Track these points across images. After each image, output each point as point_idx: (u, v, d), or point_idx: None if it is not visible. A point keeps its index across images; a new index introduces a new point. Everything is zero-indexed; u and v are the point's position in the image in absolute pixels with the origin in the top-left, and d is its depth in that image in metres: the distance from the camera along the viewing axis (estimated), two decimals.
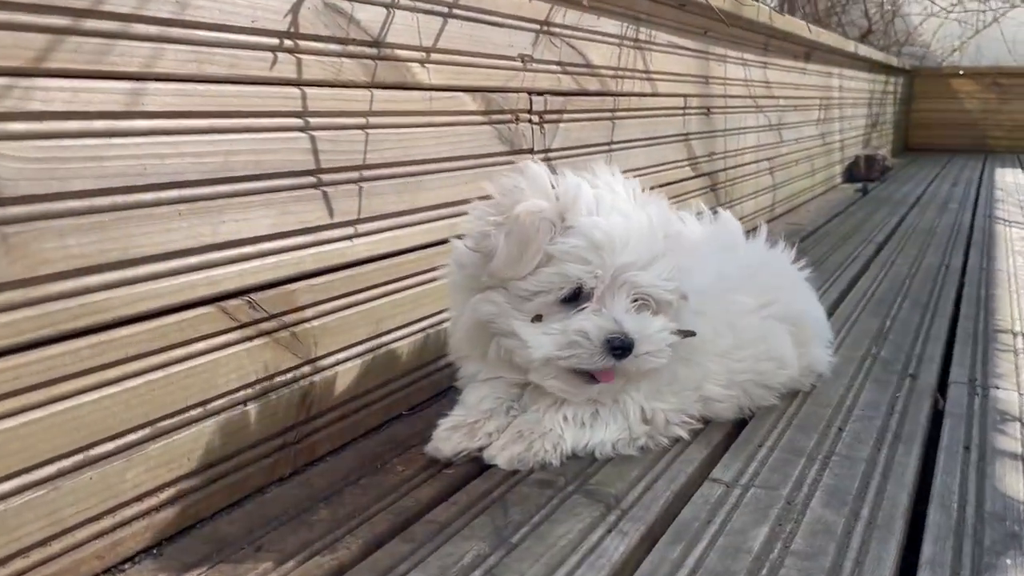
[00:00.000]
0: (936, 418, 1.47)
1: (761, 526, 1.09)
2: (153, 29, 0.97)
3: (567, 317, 1.16)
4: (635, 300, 1.18)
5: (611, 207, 1.17)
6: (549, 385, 1.22)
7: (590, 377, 1.19)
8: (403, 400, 1.46)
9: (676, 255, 1.20)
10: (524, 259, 1.14)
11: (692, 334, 1.28)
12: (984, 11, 8.34)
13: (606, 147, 2.19)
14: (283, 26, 1.16)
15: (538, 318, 1.18)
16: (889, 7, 7.81)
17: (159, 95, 0.99)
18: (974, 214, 3.97)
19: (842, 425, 1.41)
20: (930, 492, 1.19)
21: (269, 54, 1.14)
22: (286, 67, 1.17)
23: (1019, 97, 7.97)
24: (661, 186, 2.51)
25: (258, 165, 1.13)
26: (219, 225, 1.07)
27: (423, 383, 1.51)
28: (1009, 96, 8.00)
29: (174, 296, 1.02)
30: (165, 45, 0.99)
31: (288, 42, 1.17)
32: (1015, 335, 1.95)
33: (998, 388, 1.59)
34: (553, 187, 1.19)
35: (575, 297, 1.17)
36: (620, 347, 1.15)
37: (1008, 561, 1.01)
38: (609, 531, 1.08)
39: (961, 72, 8.20)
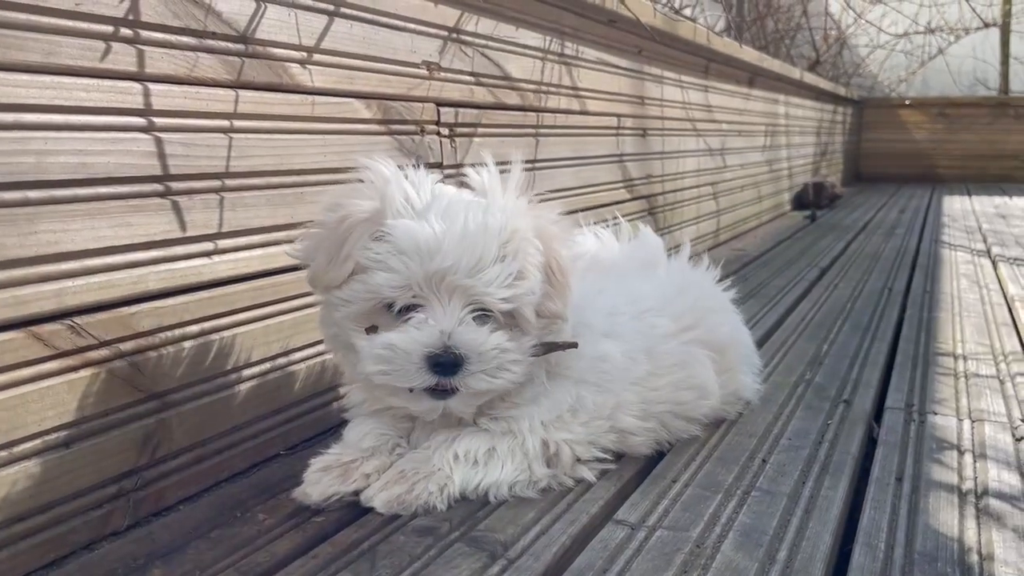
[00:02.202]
0: (870, 447, 1.35)
1: (663, 573, 0.94)
2: None
3: (391, 329, 1.03)
4: (475, 311, 1.04)
5: (431, 208, 1.03)
6: (393, 403, 1.10)
7: (433, 392, 1.05)
8: (279, 439, 1.30)
9: (519, 262, 1.05)
10: (332, 266, 1.03)
11: (573, 346, 1.14)
12: (929, 44, 8.49)
13: (528, 165, 2.07)
14: (119, 12, 1.02)
15: (373, 329, 1.04)
16: (836, 37, 7.90)
17: None
18: (920, 239, 3.92)
19: (766, 456, 1.28)
20: (856, 530, 1.06)
21: (100, 43, 1.00)
22: (123, 58, 1.03)
23: (966, 127, 8.08)
24: (593, 208, 2.40)
25: (83, 168, 0.98)
26: (28, 236, 0.92)
27: (305, 419, 1.35)
28: (956, 126, 8.11)
29: None
30: None
31: (126, 31, 1.03)
32: (956, 358, 1.84)
33: (936, 414, 1.47)
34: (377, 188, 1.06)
35: (407, 307, 1.03)
36: (442, 363, 1.01)
37: None
38: None
39: (908, 102, 8.30)
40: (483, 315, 1.05)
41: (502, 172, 1.13)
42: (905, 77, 8.83)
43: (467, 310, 1.03)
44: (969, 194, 6.48)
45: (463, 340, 1.01)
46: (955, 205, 5.65)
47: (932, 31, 8.34)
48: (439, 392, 1.04)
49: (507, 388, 1.08)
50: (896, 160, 8.28)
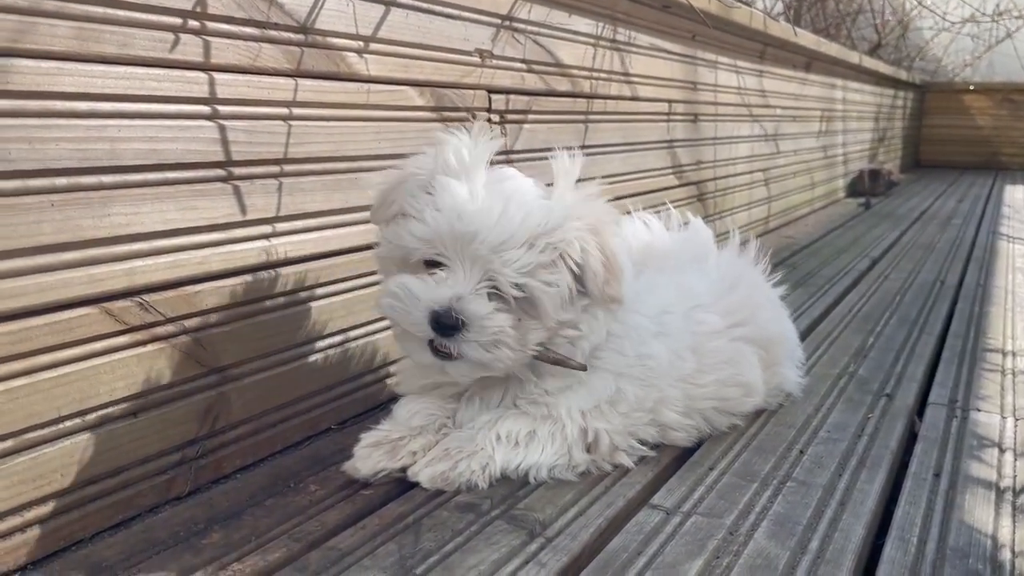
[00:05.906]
0: (910, 442, 1.36)
1: (695, 559, 0.98)
2: (21, 0, 0.89)
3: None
4: (492, 287, 1.07)
5: (477, 175, 1.08)
6: (402, 347, 1.14)
7: (435, 350, 1.08)
8: (331, 414, 1.36)
9: (550, 254, 1.07)
10: (381, 207, 1.14)
11: (581, 367, 1.15)
12: (996, 27, 8.21)
13: (578, 151, 2.08)
14: (188, 4, 1.07)
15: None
16: (898, 21, 7.69)
17: (26, 73, 0.90)
18: (978, 230, 3.84)
19: (804, 448, 1.30)
20: (890, 524, 1.07)
21: (170, 34, 1.05)
22: (191, 49, 1.08)
23: None
24: (641, 194, 2.41)
25: (153, 154, 1.03)
26: (102, 218, 0.98)
27: (356, 395, 1.40)
28: (1022, 112, 7.86)
29: (42, 295, 0.92)
30: (35, 19, 0.90)
31: (193, 22, 1.08)
32: (1005, 355, 1.83)
33: (979, 411, 1.47)
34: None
35: (435, 264, 1.08)
36: (441, 323, 1.05)
37: None
38: (527, 562, 0.97)
39: (972, 88, 8.06)
40: (500, 294, 1.07)
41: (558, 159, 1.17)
42: (970, 61, 8.56)
43: (485, 284, 1.06)
44: None
45: (468, 308, 1.05)
46: (1017, 195, 5.50)
47: (1000, 15, 8.05)
48: (441, 352, 1.07)
49: (500, 369, 1.10)
50: (957, 147, 8.07)
